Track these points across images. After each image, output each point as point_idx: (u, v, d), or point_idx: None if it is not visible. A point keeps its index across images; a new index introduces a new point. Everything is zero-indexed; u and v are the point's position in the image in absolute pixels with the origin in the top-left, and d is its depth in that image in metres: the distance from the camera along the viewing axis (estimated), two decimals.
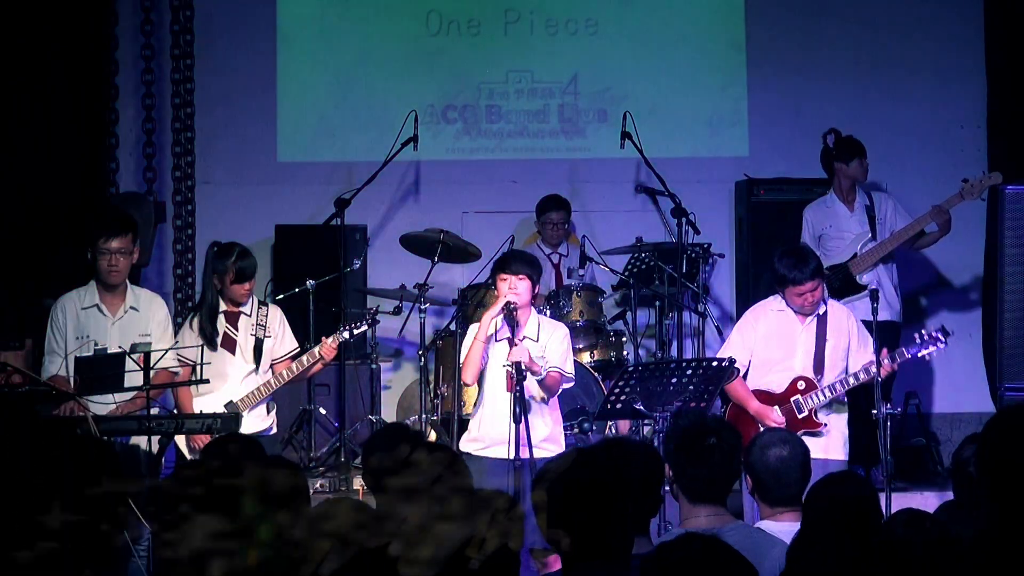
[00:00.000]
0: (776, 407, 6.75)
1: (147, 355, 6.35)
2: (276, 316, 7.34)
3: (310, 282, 8.22)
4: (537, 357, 6.40)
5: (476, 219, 9.84)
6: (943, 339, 6.69)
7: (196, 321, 7.13)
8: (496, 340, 6.49)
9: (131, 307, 6.95)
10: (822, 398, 6.70)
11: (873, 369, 6.59)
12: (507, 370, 6.38)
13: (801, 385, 6.73)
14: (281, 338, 7.31)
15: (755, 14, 10.00)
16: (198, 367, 6.80)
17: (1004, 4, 9.70)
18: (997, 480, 3.57)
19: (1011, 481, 3.52)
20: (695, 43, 10.09)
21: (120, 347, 6.71)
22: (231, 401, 7.10)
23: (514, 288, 6.42)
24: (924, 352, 6.72)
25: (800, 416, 6.69)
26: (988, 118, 9.82)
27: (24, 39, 8.77)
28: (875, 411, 6.69)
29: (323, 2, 10.20)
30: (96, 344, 6.83)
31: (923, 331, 6.78)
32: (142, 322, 6.96)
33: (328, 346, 7.16)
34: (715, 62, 10.09)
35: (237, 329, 7.19)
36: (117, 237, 6.83)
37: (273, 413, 7.35)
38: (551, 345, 6.51)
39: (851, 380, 6.71)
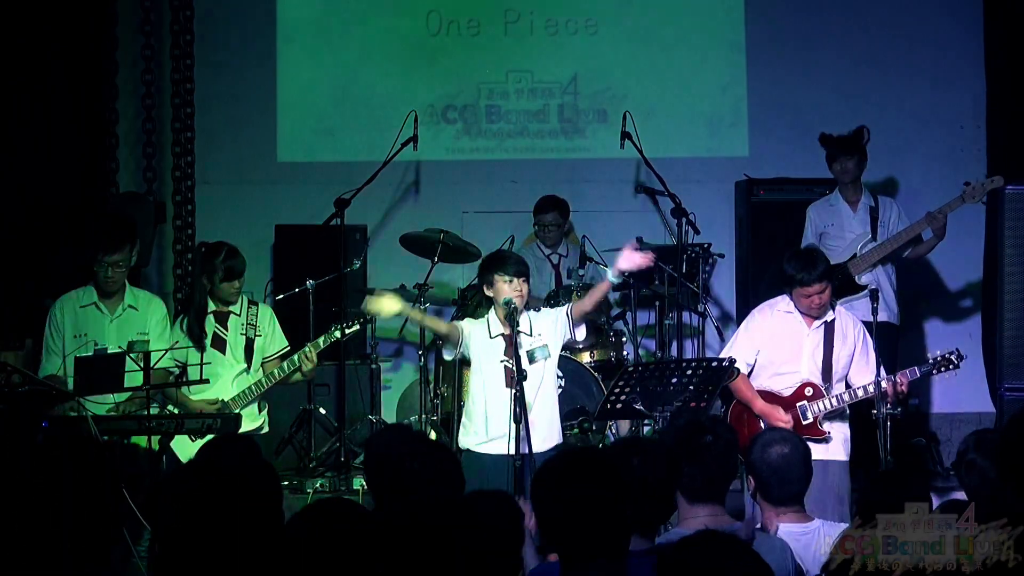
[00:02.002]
0: (779, 409, 6.74)
1: (147, 355, 6.37)
2: (266, 315, 7.35)
3: (310, 282, 8.21)
4: (539, 346, 6.46)
5: (476, 219, 9.84)
6: (957, 362, 6.69)
7: (186, 322, 7.14)
8: (492, 337, 6.51)
9: (129, 306, 6.98)
10: (828, 407, 6.69)
11: (884, 385, 6.59)
12: (505, 366, 6.40)
13: (809, 391, 6.71)
14: (271, 337, 7.32)
15: (755, 14, 10.00)
16: (195, 368, 6.82)
17: (1004, 4, 9.70)
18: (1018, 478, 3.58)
19: None
20: (695, 43, 10.09)
21: (119, 346, 6.73)
22: (223, 401, 7.10)
23: (518, 291, 6.44)
24: (935, 372, 6.72)
25: (804, 423, 6.67)
26: (988, 118, 9.82)
27: (24, 39, 8.77)
28: (874, 411, 6.69)
29: (323, 2, 10.20)
30: (96, 344, 6.83)
31: (937, 352, 6.75)
32: (140, 321, 6.98)
33: (305, 359, 7.18)
34: (715, 62, 10.09)
35: (227, 329, 7.20)
36: (115, 252, 6.87)
37: (265, 412, 7.35)
38: (546, 330, 6.56)
39: (859, 393, 6.70)
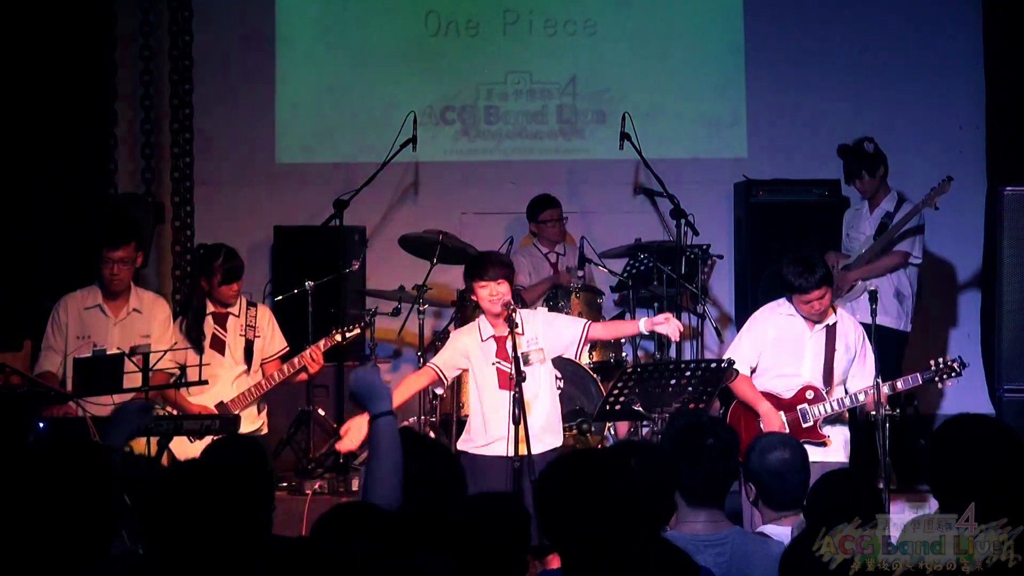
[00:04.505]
0: (782, 413, 6.74)
1: (146, 356, 6.36)
2: (265, 316, 7.35)
3: (309, 283, 8.20)
4: (533, 349, 6.45)
5: (474, 220, 9.84)
6: (958, 370, 6.67)
7: (185, 324, 7.13)
8: (483, 340, 6.49)
9: (134, 309, 6.96)
10: (828, 410, 6.68)
11: (884, 391, 6.59)
12: (497, 368, 6.39)
13: (810, 395, 6.70)
14: (270, 338, 7.32)
15: (754, 16, 10.00)
16: (194, 369, 6.81)
17: (1003, 5, 9.70)
18: (948, 493, 3.58)
19: (961, 493, 3.51)
20: (694, 44, 10.09)
21: (119, 348, 6.71)
22: (222, 402, 7.09)
23: (495, 294, 6.38)
24: (937, 379, 6.70)
25: (805, 425, 6.67)
26: (987, 119, 9.82)
27: (23, 40, 8.77)
28: (873, 412, 6.68)
29: (322, 3, 10.20)
30: (96, 345, 6.82)
31: (939, 359, 6.74)
32: (144, 324, 6.96)
33: (310, 359, 7.17)
34: (714, 63, 10.09)
35: (226, 330, 7.19)
36: (120, 248, 6.83)
37: (264, 413, 7.34)
38: (540, 332, 6.53)
39: (860, 398, 6.69)
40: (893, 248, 8.42)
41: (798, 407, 6.72)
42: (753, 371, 6.82)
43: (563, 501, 3.50)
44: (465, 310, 8.40)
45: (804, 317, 6.74)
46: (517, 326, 6.33)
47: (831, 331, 6.75)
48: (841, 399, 6.71)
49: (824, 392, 6.71)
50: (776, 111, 9.98)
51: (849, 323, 6.87)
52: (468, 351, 6.52)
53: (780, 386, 6.76)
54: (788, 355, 6.77)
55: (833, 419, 6.74)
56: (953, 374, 6.67)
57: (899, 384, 6.67)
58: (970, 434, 3.72)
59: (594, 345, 8.55)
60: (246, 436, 6.37)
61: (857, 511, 3.59)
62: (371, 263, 9.35)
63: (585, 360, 8.46)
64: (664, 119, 9.91)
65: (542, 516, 3.54)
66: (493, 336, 6.45)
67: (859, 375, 6.76)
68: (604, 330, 6.73)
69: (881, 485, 6.44)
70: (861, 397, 6.68)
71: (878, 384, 6.57)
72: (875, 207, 8.61)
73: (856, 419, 7.08)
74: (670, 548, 3.01)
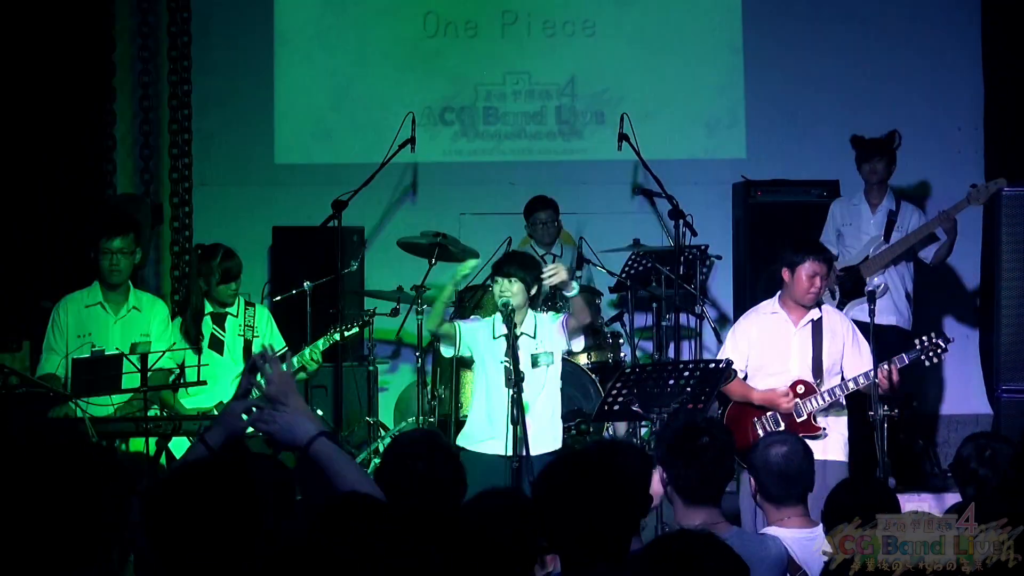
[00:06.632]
0: (780, 388, 6.71)
1: (144, 357, 6.36)
2: (263, 316, 7.36)
3: (307, 284, 8.21)
4: (543, 352, 6.49)
5: (473, 221, 9.84)
6: (943, 345, 6.66)
7: (183, 324, 7.14)
8: (495, 337, 6.52)
9: (133, 307, 6.97)
10: (821, 402, 6.68)
11: (872, 376, 6.57)
12: (506, 366, 6.41)
13: (800, 389, 6.70)
14: (268, 338, 7.32)
15: (753, 17, 10.01)
16: (192, 370, 6.80)
17: (1001, 7, 9.72)
18: None
19: None
20: (693, 45, 10.10)
21: (117, 347, 6.72)
22: (221, 402, 7.09)
23: (506, 291, 6.46)
24: (924, 358, 6.68)
25: (799, 420, 6.67)
26: (986, 120, 9.83)
27: (22, 41, 8.77)
28: (871, 412, 6.68)
29: (321, 4, 10.20)
30: (94, 346, 6.82)
31: (923, 337, 6.74)
32: (144, 323, 6.97)
33: (308, 359, 7.17)
34: (713, 64, 10.10)
35: (224, 330, 7.20)
36: (118, 237, 6.84)
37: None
38: (549, 335, 6.59)
39: (850, 385, 6.68)
40: (915, 247, 8.39)
41: None
42: (745, 376, 6.82)
43: (561, 501, 3.51)
44: (463, 310, 8.40)
45: (790, 310, 6.72)
46: (515, 326, 6.36)
47: (817, 325, 6.74)
48: (832, 389, 6.67)
49: (815, 385, 6.71)
50: (774, 112, 9.99)
51: (835, 315, 6.88)
52: (479, 340, 6.57)
53: (770, 385, 6.76)
54: (775, 354, 6.76)
55: (832, 419, 6.73)
56: (940, 350, 6.64)
57: (886, 366, 6.62)
58: None
59: (593, 345, 8.57)
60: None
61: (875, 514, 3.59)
62: (370, 263, 9.36)
63: (583, 360, 8.48)
64: (663, 120, 9.92)
65: (540, 516, 3.55)
66: (504, 335, 6.47)
67: (856, 361, 6.73)
68: (572, 318, 6.75)
69: None
70: (851, 385, 6.66)
71: (875, 372, 6.54)
72: (876, 206, 8.58)
73: (857, 418, 7.07)
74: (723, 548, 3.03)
